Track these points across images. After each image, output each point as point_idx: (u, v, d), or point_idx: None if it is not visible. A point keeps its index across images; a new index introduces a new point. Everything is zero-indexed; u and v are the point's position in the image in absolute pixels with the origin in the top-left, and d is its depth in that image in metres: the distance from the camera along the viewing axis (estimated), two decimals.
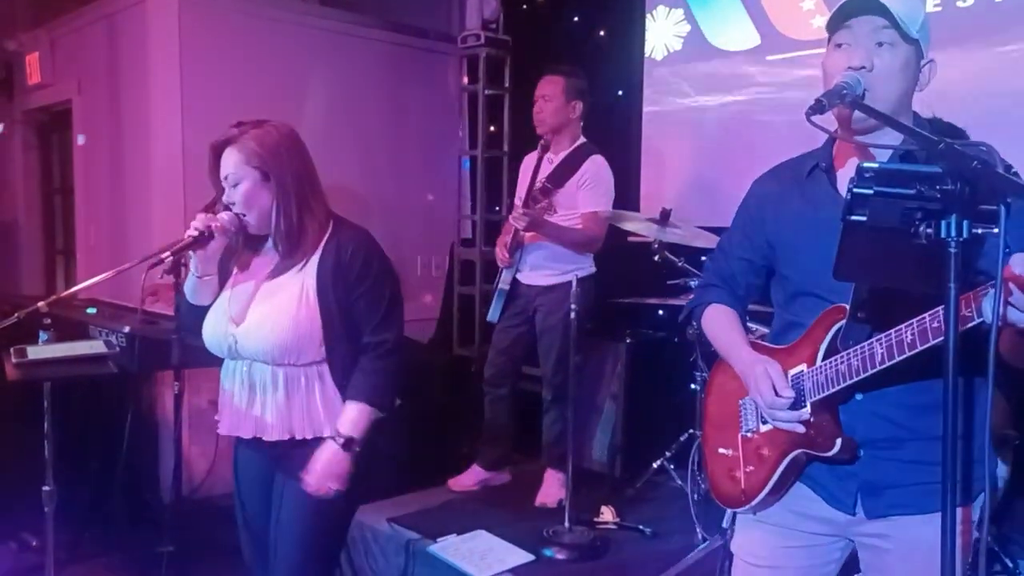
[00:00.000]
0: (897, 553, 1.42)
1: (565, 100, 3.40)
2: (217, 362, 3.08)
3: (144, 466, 3.63)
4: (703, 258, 1.77)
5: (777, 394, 1.42)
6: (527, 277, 3.46)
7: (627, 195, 4.21)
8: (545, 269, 3.41)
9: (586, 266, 3.42)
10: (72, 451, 3.18)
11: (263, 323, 1.86)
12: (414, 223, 4.82)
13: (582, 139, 3.44)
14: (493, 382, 3.60)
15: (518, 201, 3.62)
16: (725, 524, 2.41)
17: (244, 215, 1.89)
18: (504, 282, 3.48)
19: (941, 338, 1.16)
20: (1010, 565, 2.45)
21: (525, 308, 3.50)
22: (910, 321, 1.22)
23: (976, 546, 1.50)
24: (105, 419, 3.35)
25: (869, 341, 1.30)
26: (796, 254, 1.51)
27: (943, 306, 1.14)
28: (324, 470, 1.87)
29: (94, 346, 2.30)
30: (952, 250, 1.04)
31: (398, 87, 4.70)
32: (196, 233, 1.85)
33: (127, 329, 2.55)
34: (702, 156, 4.01)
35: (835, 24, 1.41)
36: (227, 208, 1.90)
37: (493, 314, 3.57)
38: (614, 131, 4.29)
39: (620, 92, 4.32)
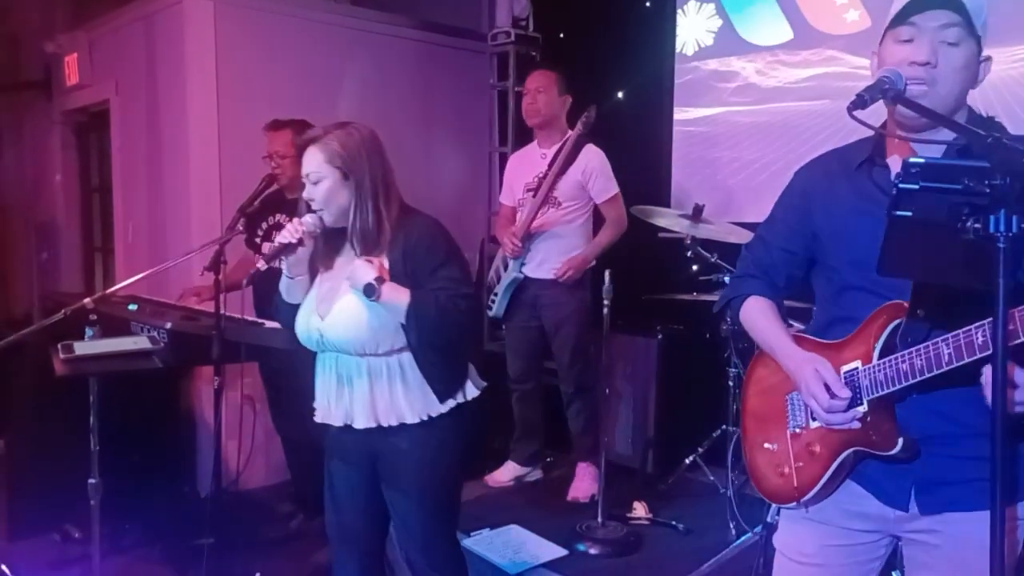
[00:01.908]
0: (947, 549, 1.40)
1: (557, 92, 3.46)
2: (254, 358, 3.14)
3: (183, 460, 3.69)
4: (744, 251, 1.74)
5: (833, 395, 1.39)
6: (534, 271, 3.46)
7: (658, 191, 4.20)
8: (553, 263, 3.42)
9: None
10: (114, 445, 3.23)
11: (342, 317, 1.95)
12: (445, 220, 4.78)
13: (571, 132, 3.44)
14: (519, 379, 3.62)
15: (506, 201, 3.64)
16: (770, 519, 2.40)
17: (321, 211, 1.98)
18: (514, 271, 3.48)
19: (1019, 340, 1.15)
20: None
21: (533, 302, 3.50)
22: (981, 323, 1.19)
23: None
24: (146, 413, 3.40)
25: (934, 341, 1.27)
26: (847, 248, 1.47)
27: (1020, 307, 1.13)
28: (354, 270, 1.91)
29: (138, 342, 2.35)
30: (1001, 245, 1.03)
31: (428, 85, 4.73)
32: (286, 242, 1.94)
33: (168, 325, 2.59)
34: (734, 151, 3.98)
35: (900, 18, 1.37)
36: (308, 206, 1.99)
37: (499, 309, 3.57)
38: (645, 127, 4.29)
39: (651, 88, 4.30)
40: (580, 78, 3.55)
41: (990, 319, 1.16)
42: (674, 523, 3.12)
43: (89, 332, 2.34)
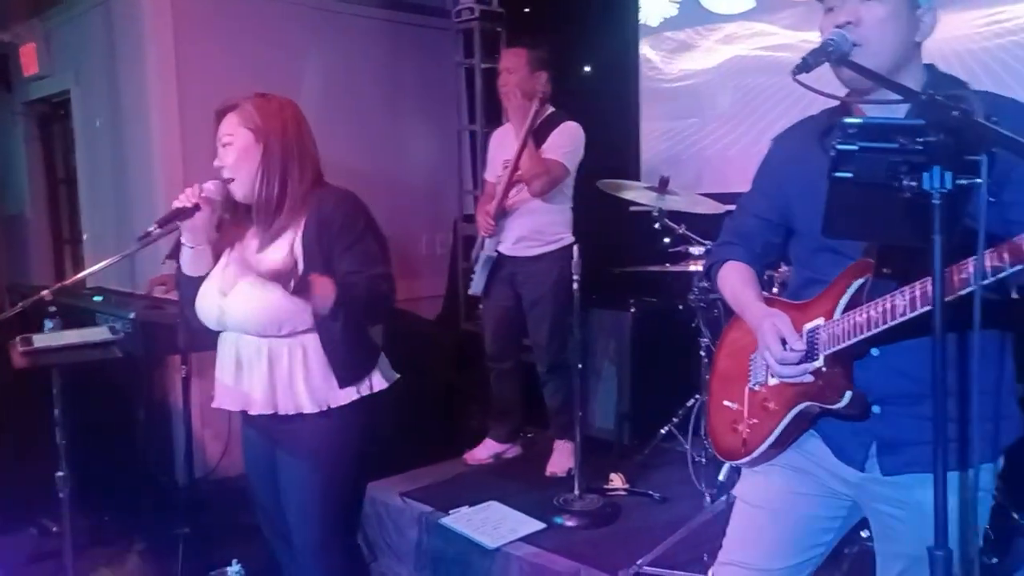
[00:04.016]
0: (910, 522, 1.41)
1: (529, 71, 3.38)
2: None
3: (159, 450, 3.68)
4: (726, 220, 1.76)
5: (788, 348, 1.41)
6: (510, 249, 3.44)
7: (627, 164, 4.20)
8: (529, 240, 3.41)
9: (568, 236, 3.44)
10: (89, 438, 3.21)
11: (245, 295, 1.89)
12: (416, 201, 4.82)
13: (551, 108, 3.40)
14: (496, 357, 3.62)
15: (489, 178, 3.62)
16: (722, 478, 2.44)
17: (231, 179, 1.92)
18: (490, 250, 3.46)
19: (968, 289, 1.15)
20: (1015, 516, 2.45)
21: (510, 280, 3.49)
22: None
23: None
24: (120, 405, 3.39)
25: (892, 294, 1.28)
26: (815, 211, 1.46)
27: (972, 258, 1.13)
28: (267, 265, 1.74)
29: (99, 333, 2.34)
30: (935, 202, 1.04)
31: (394, 64, 4.69)
32: (181, 206, 1.89)
33: (132, 315, 2.58)
34: (701, 122, 3.98)
35: None
36: (218, 172, 1.94)
37: (477, 286, 3.55)
38: (611, 100, 4.27)
39: (616, 60, 4.28)
40: (545, 52, 3.52)
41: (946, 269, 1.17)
42: (650, 492, 3.15)
43: (49, 324, 2.32)
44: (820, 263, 1.50)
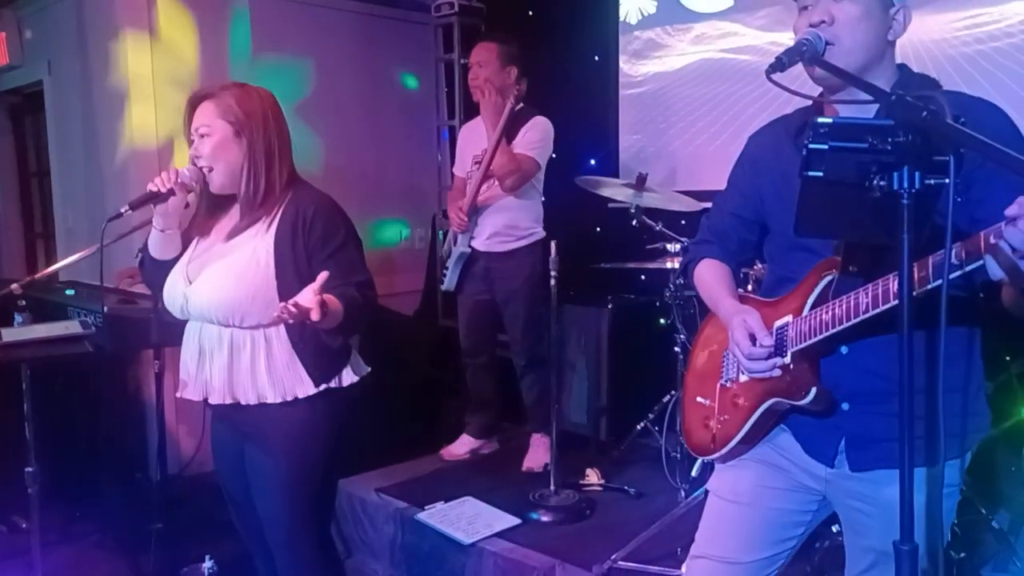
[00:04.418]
0: (879, 517, 1.43)
1: (500, 65, 3.39)
2: None
3: (133, 445, 3.64)
4: (703, 218, 1.78)
5: (756, 344, 1.42)
6: (484, 244, 3.44)
7: (606, 161, 4.21)
8: (502, 236, 3.41)
9: (539, 231, 3.45)
10: (60, 433, 3.17)
11: (210, 283, 1.87)
12: (396, 196, 4.80)
13: (521, 104, 3.40)
14: (471, 352, 3.62)
15: (459, 172, 3.62)
16: (695, 474, 2.45)
17: (209, 169, 1.90)
18: (463, 245, 3.46)
19: (929, 286, 1.16)
20: (983, 512, 2.49)
21: (484, 275, 3.49)
22: (897, 271, 1.20)
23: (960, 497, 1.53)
24: (92, 400, 3.35)
25: (856, 291, 1.30)
26: (789, 210, 1.47)
27: (933, 254, 1.15)
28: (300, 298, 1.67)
29: (69, 326, 2.30)
30: (904, 201, 1.05)
31: (374, 59, 4.66)
32: (156, 189, 1.86)
33: (104, 309, 2.55)
34: (680, 119, 3.99)
35: None
36: (193, 163, 1.91)
37: (450, 282, 3.55)
38: (591, 97, 4.27)
39: (596, 57, 4.29)
40: (524, 49, 3.52)
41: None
42: (625, 488, 3.17)
43: (18, 318, 2.29)
44: (793, 261, 1.51)
